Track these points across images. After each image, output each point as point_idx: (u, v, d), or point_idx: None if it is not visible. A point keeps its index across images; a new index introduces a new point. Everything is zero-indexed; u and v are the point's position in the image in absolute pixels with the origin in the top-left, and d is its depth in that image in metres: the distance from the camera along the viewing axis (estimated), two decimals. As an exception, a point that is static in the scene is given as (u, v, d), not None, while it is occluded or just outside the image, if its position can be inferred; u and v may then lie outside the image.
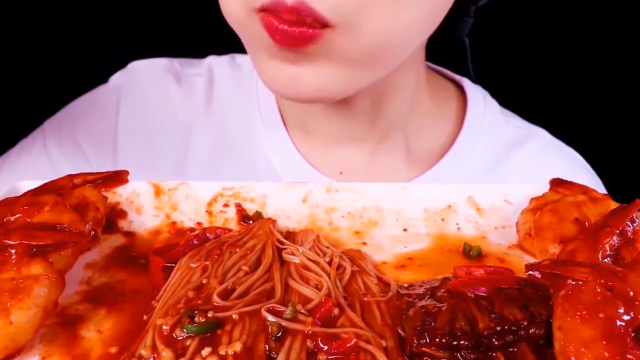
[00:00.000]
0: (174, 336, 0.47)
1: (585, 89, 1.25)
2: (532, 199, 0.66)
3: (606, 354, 0.42)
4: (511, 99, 1.00)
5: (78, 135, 0.91)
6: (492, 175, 0.90)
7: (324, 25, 0.62)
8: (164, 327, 0.47)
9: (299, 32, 0.62)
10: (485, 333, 0.47)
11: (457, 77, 0.97)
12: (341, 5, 0.62)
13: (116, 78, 0.95)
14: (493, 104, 0.95)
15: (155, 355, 0.46)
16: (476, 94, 0.94)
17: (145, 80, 0.94)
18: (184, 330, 0.47)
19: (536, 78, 1.25)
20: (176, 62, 0.97)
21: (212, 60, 0.98)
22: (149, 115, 0.92)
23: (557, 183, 0.67)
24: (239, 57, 0.98)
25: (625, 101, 1.26)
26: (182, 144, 0.92)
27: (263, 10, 0.63)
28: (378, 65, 0.71)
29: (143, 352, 0.46)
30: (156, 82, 0.94)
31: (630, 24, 1.20)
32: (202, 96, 0.93)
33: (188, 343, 0.46)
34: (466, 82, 0.95)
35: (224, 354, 0.45)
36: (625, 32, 1.21)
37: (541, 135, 0.96)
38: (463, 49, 0.97)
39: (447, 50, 0.91)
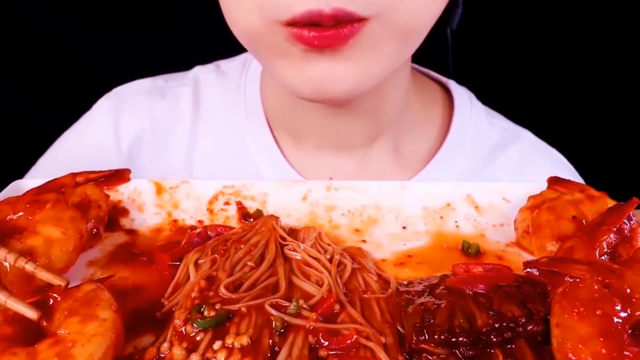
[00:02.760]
0: (185, 332, 0.48)
1: (570, 89, 1.26)
2: (530, 197, 0.67)
3: (603, 351, 0.43)
4: (496, 97, 1.00)
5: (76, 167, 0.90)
6: (477, 177, 0.91)
7: (358, 20, 0.63)
8: (176, 321, 0.49)
9: (333, 33, 0.62)
10: (483, 330, 0.48)
11: (444, 79, 0.97)
12: (374, 1, 0.62)
13: (102, 102, 0.94)
14: (478, 106, 0.96)
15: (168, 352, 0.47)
16: (462, 96, 0.94)
17: (130, 101, 0.93)
18: (196, 325, 0.48)
19: (521, 76, 1.26)
20: (159, 79, 0.96)
21: (197, 70, 0.97)
22: (135, 133, 0.91)
23: (554, 181, 0.68)
24: (223, 64, 0.98)
25: (610, 101, 1.27)
26: (172, 153, 0.91)
27: (291, 24, 0.63)
28: (403, 51, 0.72)
29: (165, 345, 0.47)
30: (141, 101, 0.93)
31: (614, 23, 1.21)
32: (189, 105, 0.93)
33: (199, 338, 0.48)
34: (452, 85, 0.95)
35: (230, 344, 0.46)
36: (610, 33, 1.21)
37: (525, 137, 0.97)
38: (445, 43, 0.98)
39: (431, 51, 0.91)
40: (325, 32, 0.62)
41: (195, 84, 0.94)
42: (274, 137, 0.89)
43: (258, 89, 0.91)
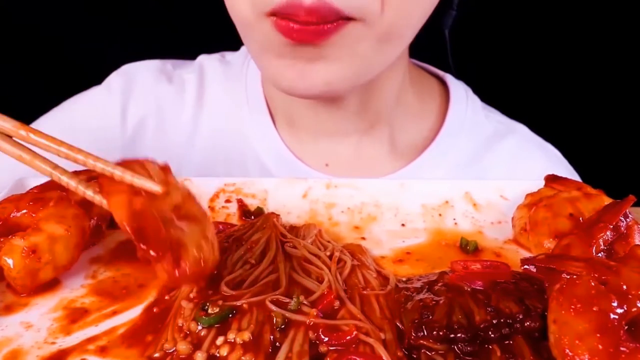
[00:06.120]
0: (190, 330, 0.49)
1: (566, 86, 1.26)
2: (527, 195, 0.67)
3: (600, 346, 0.43)
4: (493, 94, 1.01)
5: (77, 134, 0.91)
6: (472, 168, 0.92)
7: (341, 17, 0.64)
8: (179, 321, 0.49)
9: (314, 28, 0.64)
10: (481, 326, 0.48)
11: (441, 73, 0.98)
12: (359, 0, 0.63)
13: (111, 80, 0.95)
14: (475, 99, 0.97)
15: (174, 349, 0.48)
16: (459, 89, 0.96)
17: (139, 82, 0.95)
18: (201, 323, 0.49)
19: (518, 74, 1.26)
20: (168, 64, 0.98)
21: (202, 58, 0.99)
22: (142, 115, 0.93)
23: (552, 179, 0.68)
24: (228, 55, 0.99)
25: (605, 99, 1.27)
26: (175, 137, 0.93)
27: (274, 14, 0.64)
28: (382, 54, 0.72)
29: (167, 345, 0.48)
30: (149, 83, 0.95)
31: (611, 21, 1.21)
32: (194, 92, 0.94)
33: (203, 333, 0.48)
34: (449, 78, 0.97)
35: (232, 339, 0.47)
36: (606, 31, 1.22)
37: (520, 130, 0.98)
38: (444, 42, 0.99)
39: (430, 47, 0.92)
40: (306, 28, 0.64)
41: (200, 73, 0.97)
42: (274, 124, 0.91)
43: (259, 78, 0.93)
